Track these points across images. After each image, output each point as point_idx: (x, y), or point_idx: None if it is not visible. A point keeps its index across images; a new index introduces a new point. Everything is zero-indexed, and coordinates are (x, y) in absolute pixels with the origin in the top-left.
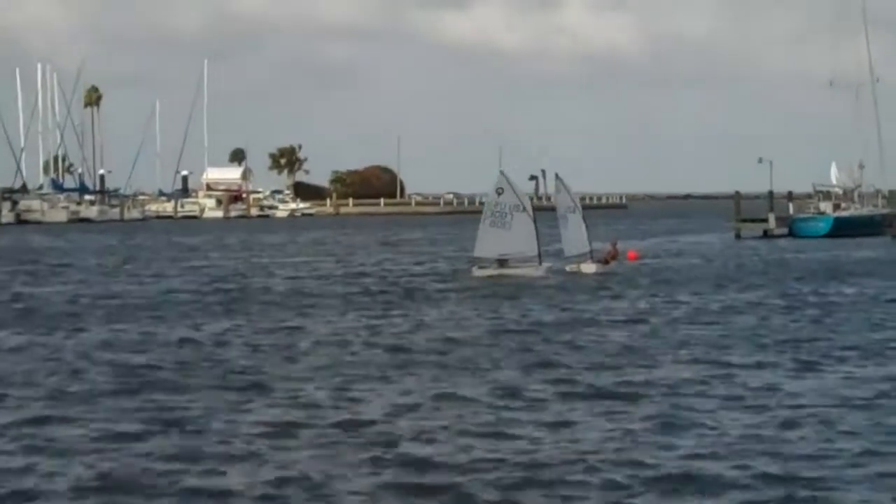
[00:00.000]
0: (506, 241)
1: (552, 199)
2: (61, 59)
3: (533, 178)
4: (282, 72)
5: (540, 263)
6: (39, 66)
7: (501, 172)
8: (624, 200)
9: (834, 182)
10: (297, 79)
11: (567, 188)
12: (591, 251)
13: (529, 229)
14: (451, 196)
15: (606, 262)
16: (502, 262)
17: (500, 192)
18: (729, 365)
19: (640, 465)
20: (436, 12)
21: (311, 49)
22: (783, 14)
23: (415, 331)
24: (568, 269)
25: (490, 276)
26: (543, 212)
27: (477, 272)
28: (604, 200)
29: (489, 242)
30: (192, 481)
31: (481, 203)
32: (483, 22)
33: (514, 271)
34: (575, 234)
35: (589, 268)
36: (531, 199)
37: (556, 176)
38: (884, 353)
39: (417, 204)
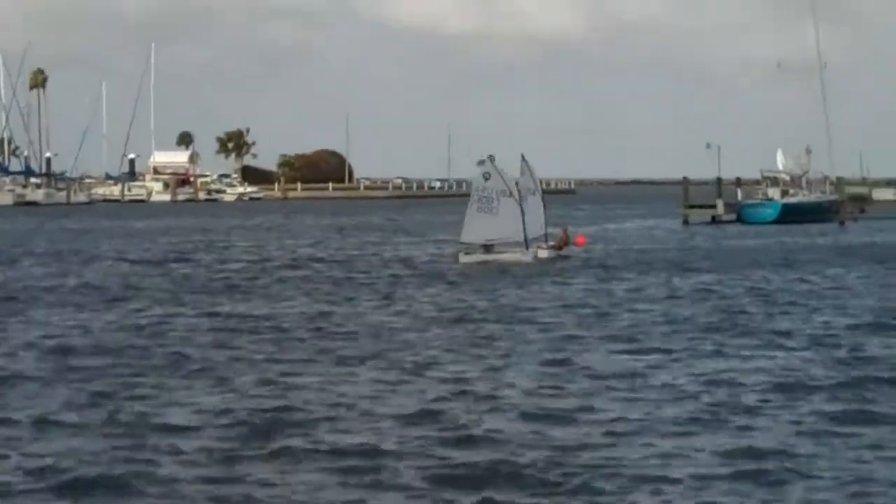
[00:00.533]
0: (493, 226)
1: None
2: (5, 40)
3: (481, 162)
4: (228, 54)
5: (527, 248)
6: None
7: (489, 157)
8: (573, 186)
9: (780, 168)
10: (243, 61)
11: (531, 170)
12: (546, 235)
13: (516, 214)
14: (399, 181)
15: (560, 247)
16: (488, 248)
17: (486, 177)
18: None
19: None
20: None
21: (257, 31)
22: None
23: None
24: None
25: (477, 262)
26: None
27: (464, 258)
28: (552, 185)
29: (476, 228)
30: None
31: (430, 188)
32: (430, 5)
33: (502, 257)
34: (533, 217)
35: (543, 253)
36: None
37: (522, 157)
38: (776, 342)
39: (366, 188)
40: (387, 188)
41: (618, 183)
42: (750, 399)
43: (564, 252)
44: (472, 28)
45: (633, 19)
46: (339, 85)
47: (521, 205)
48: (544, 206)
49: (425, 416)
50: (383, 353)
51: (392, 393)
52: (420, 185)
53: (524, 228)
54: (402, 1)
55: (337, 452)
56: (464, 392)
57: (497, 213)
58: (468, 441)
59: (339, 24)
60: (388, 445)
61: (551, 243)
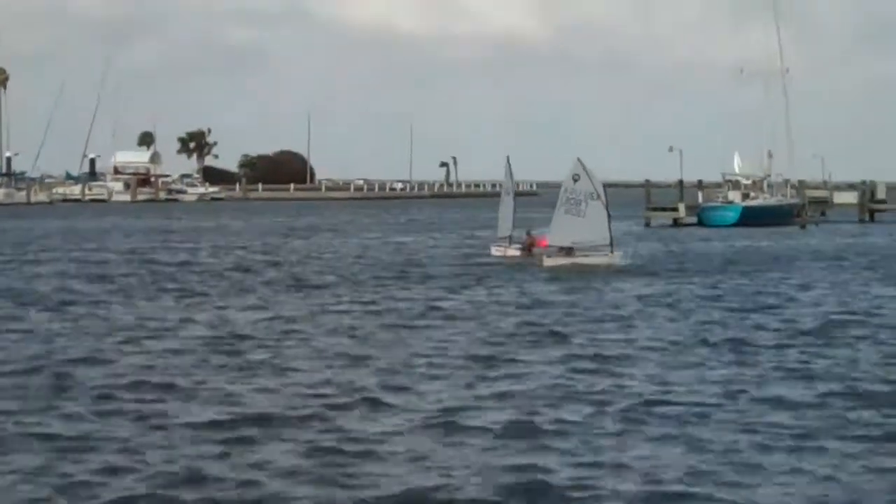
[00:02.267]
0: (580, 228)
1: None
2: None
3: (444, 164)
4: (186, 55)
5: (612, 251)
6: None
7: (578, 160)
8: (535, 188)
9: (737, 171)
10: (202, 62)
11: (511, 173)
12: (511, 237)
13: (603, 217)
14: (361, 182)
15: (529, 249)
16: (568, 251)
17: (576, 178)
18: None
19: None
20: None
21: (214, 32)
22: (691, 1)
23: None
24: (495, 252)
25: (562, 265)
26: (455, 199)
27: (548, 261)
28: (518, 188)
29: (564, 230)
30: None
31: (392, 189)
32: (384, 5)
33: (587, 260)
34: (505, 216)
35: (512, 252)
36: (442, 185)
37: (507, 160)
38: (682, 352)
39: (327, 189)
40: (348, 189)
41: None
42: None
43: (533, 253)
44: (427, 28)
45: (594, 19)
46: (299, 86)
47: (607, 208)
48: (514, 209)
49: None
50: None
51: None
52: (382, 187)
53: (610, 231)
54: (356, 2)
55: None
56: None
57: (584, 216)
58: None
59: (294, 25)
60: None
61: (516, 245)
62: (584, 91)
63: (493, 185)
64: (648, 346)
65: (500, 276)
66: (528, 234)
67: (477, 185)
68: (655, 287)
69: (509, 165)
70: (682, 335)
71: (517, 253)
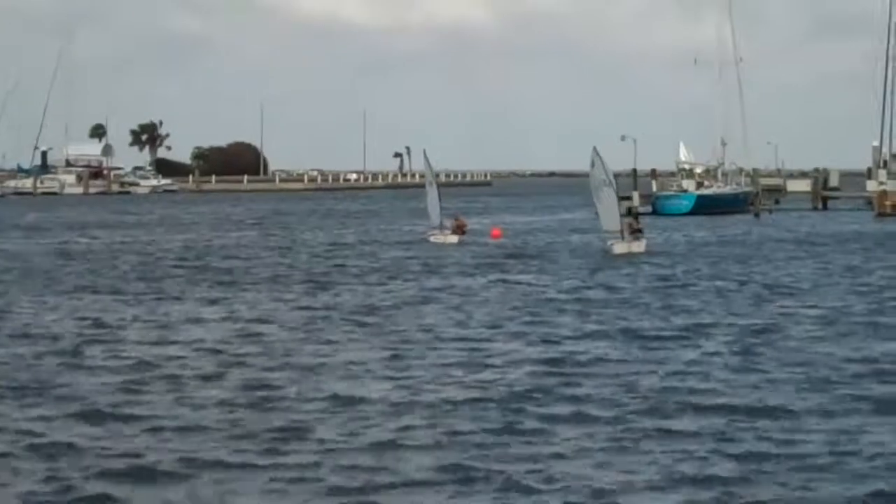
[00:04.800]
0: (602, 215)
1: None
2: None
3: (398, 155)
4: (133, 46)
5: (622, 238)
6: None
7: (594, 148)
8: (488, 178)
9: (683, 160)
10: (152, 53)
11: (429, 166)
12: (442, 224)
13: (615, 204)
14: (315, 173)
15: (459, 231)
16: (635, 236)
17: (592, 164)
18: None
19: None
20: None
21: (161, 22)
22: None
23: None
24: (433, 239)
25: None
26: (407, 189)
27: (618, 248)
28: (468, 178)
29: (602, 216)
30: None
31: (346, 179)
32: None
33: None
34: (433, 206)
35: (453, 238)
36: (396, 175)
37: (424, 153)
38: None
39: (281, 181)
40: (302, 180)
41: (533, 175)
42: None
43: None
44: (375, 17)
45: (544, 8)
46: (251, 77)
47: (617, 193)
48: (440, 195)
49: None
50: None
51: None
52: (336, 177)
53: (620, 218)
54: None
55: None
56: None
57: (601, 202)
58: None
59: (240, 14)
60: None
61: (446, 230)
62: (536, 80)
63: (448, 175)
64: None
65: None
66: (457, 218)
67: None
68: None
69: (427, 158)
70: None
71: (455, 239)
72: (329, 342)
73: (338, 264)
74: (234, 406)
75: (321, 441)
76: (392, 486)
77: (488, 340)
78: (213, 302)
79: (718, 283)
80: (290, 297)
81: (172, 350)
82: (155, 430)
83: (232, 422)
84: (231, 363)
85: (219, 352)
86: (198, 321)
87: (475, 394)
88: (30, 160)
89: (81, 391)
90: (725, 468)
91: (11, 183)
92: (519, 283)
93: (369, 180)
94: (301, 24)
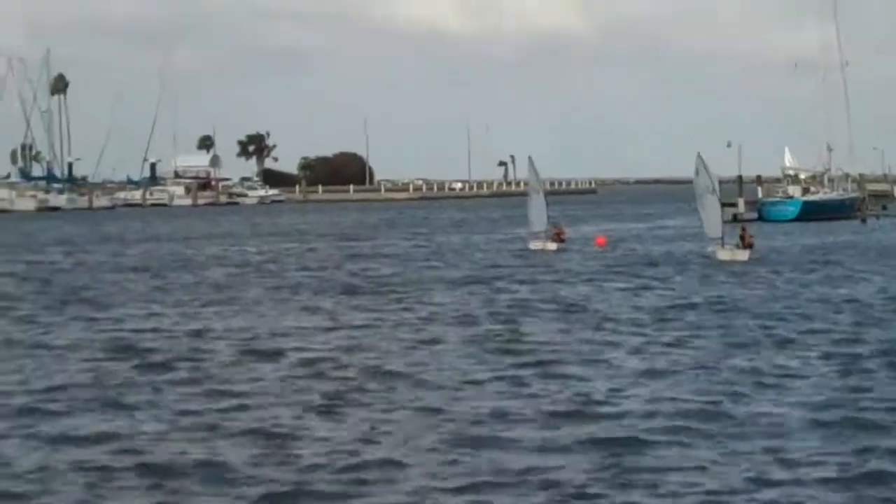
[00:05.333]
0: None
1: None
2: (26, 47)
3: (502, 163)
4: (239, 58)
5: (722, 245)
6: (5, 56)
7: (698, 155)
8: (593, 185)
9: (788, 165)
10: (255, 65)
11: (536, 171)
12: (544, 231)
13: (718, 211)
14: (420, 182)
15: (558, 239)
16: (746, 244)
17: (697, 172)
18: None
19: None
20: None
21: (266, 35)
22: None
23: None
24: (532, 247)
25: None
26: (512, 197)
27: (721, 255)
28: (573, 185)
29: (707, 222)
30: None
31: (451, 189)
32: (434, 5)
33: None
34: (537, 214)
35: (551, 246)
36: (501, 184)
37: (529, 159)
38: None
39: (387, 190)
40: (407, 190)
41: (638, 182)
42: None
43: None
44: (471, 26)
45: (641, 13)
46: (356, 87)
47: (720, 200)
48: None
49: None
50: None
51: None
52: (441, 187)
53: (723, 224)
54: (406, 3)
55: None
56: None
57: (705, 209)
58: None
59: (345, 26)
60: None
61: (546, 237)
62: (635, 86)
63: (552, 184)
64: None
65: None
66: (555, 225)
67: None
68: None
69: (533, 165)
70: None
71: (553, 246)
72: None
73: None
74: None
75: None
76: None
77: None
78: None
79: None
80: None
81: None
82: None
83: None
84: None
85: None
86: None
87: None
88: (139, 172)
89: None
90: None
91: (122, 195)
92: (636, 289)
93: (474, 189)
94: (402, 35)
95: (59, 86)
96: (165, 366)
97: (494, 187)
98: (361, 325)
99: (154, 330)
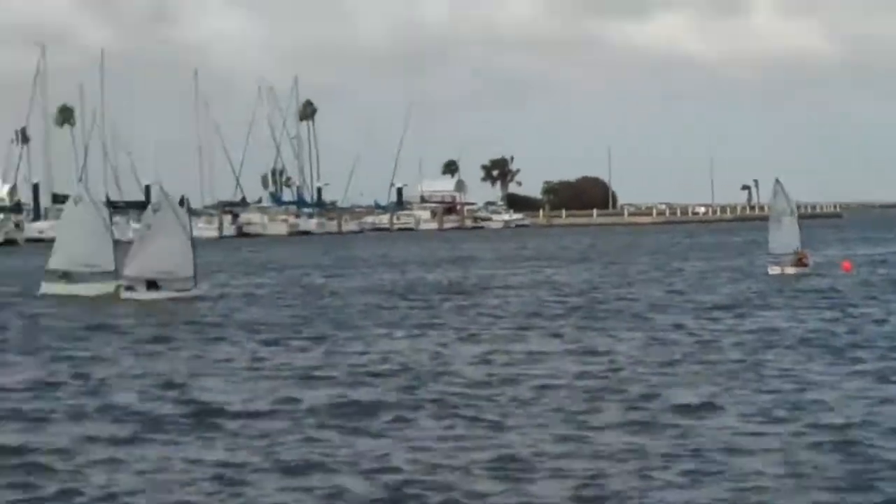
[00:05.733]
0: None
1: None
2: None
3: (745, 187)
4: (485, 84)
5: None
6: (257, 83)
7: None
8: (838, 209)
9: None
10: (494, 91)
11: (785, 193)
12: (792, 254)
13: (795, 230)
14: (663, 206)
15: (802, 265)
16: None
17: (776, 193)
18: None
19: None
20: (616, 23)
21: (501, 60)
22: None
23: None
24: (770, 272)
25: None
26: (755, 221)
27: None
28: (817, 210)
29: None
30: None
31: (694, 213)
32: (666, 30)
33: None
34: (788, 237)
35: (790, 270)
36: (744, 208)
37: (777, 181)
38: None
39: (630, 214)
40: (651, 214)
41: (883, 206)
42: None
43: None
44: (710, 50)
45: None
46: (598, 112)
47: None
48: (799, 228)
49: None
50: None
51: None
52: (684, 211)
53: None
54: (644, 28)
55: None
56: None
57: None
58: None
59: (582, 51)
60: None
61: (785, 262)
62: (885, 109)
63: (798, 207)
64: None
65: None
66: (798, 250)
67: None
68: None
69: (782, 188)
70: None
71: (793, 270)
72: None
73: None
74: None
75: None
76: None
77: None
78: None
79: None
80: None
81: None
82: None
83: None
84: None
85: None
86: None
87: None
88: (386, 197)
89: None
90: None
91: (369, 219)
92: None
93: (717, 213)
94: (642, 60)
95: (308, 112)
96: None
97: (738, 211)
98: (605, 352)
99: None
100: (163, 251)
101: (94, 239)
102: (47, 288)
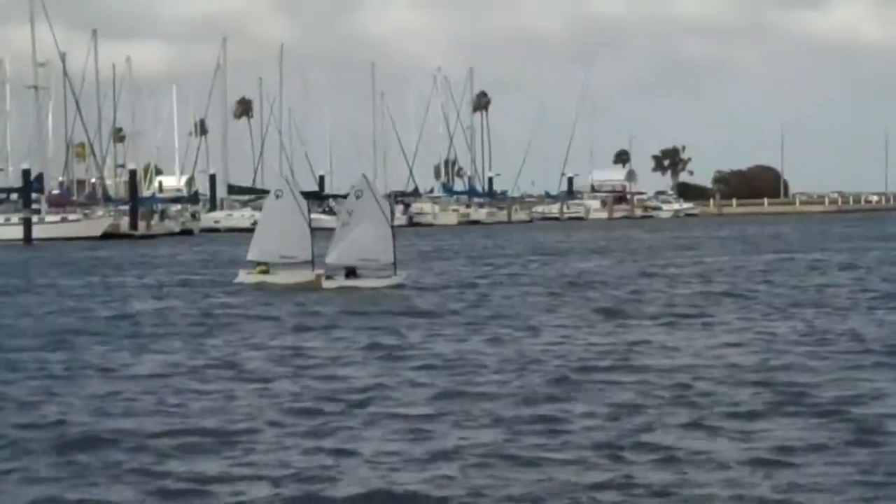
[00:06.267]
0: None
1: None
2: (451, 66)
3: None
4: (654, 72)
5: None
6: (432, 74)
7: None
8: None
9: None
10: (670, 79)
11: None
12: None
13: None
14: (835, 195)
15: None
16: None
17: None
18: None
19: None
20: (793, 11)
21: (673, 48)
22: None
23: None
24: None
25: None
26: None
27: None
28: None
29: None
30: None
31: (867, 201)
32: (844, 18)
33: None
34: None
35: None
36: None
37: None
38: None
39: (801, 203)
40: (822, 202)
41: None
42: None
43: None
44: (885, 39)
45: None
46: (770, 100)
47: None
48: None
49: None
50: None
51: None
52: (857, 199)
53: None
54: (821, 17)
55: None
56: None
57: None
58: None
59: (752, 39)
60: None
61: None
62: None
63: None
64: None
65: None
66: None
67: None
68: None
69: None
70: None
71: None
72: None
73: None
74: None
75: None
76: None
77: None
78: None
79: None
80: None
81: None
82: None
83: None
84: None
85: None
86: None
87: None
88: (557, 186)
89: None
90: None
91: (539, 208)
92: None
93: (891, 201)
94: (817, 46)
95: (482, 103)
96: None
97: None
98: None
99: None
100: (366, 237)
101: (292, 231)
102: (244, 277)
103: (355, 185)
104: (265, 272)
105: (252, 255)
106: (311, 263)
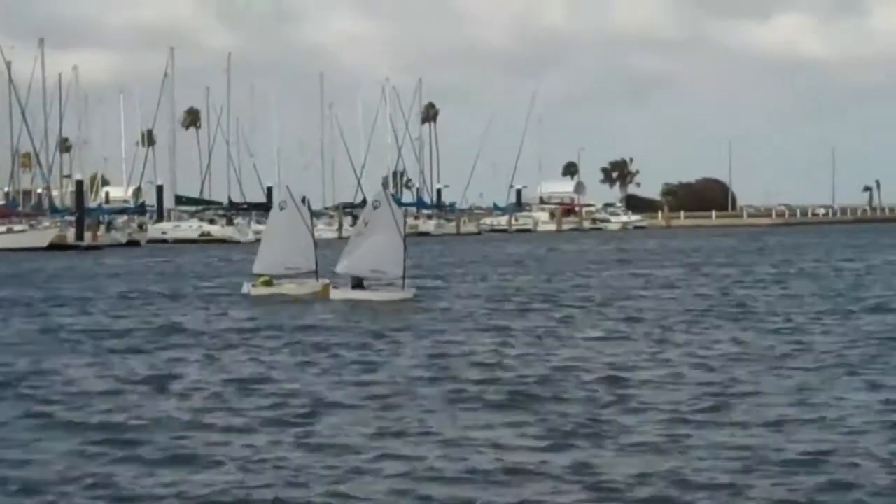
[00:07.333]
0: None
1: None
2: (399, 77)
3: (867, 188)
4: (601, 85)
5: None
6: (381, 85)
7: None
8: None
9: None
10: (616, 92)
11: None
12: None
13: None
14: (782, 207)
15: None
16: None
17: None
18: None
19: None
20: (735, 24)
21: (621, 61)
22: None
23: None
24: None
25: None
26: (878, 223)
27: None
28: None
29: None
30: None
31: (814, 214)
32: (786, 31)
33: None
34: None
35: None
36: (866, 210)
37: None
38: None
39: (749, 216)
40: (770, 215)
41: None
42: None
43: None
44: (831, 52)
45: None
46: (719, 113)
47: None
48: None
49: None
50: None
51: None
52: (804, 212)
53: None
54: (756, 28)
55: None
56: None
57: None
58: None
59: (694, 52)
60: None
61: None
62: None
63: None
64: None
65: None
66: None
67: None
68: None
69: None
70: None
71: None
72: None
73: None
74: None
75: None
76: None
77: None
78: None
79: None
80: None
81: None
82: None
83: None
84: None
85: None
86: None
87: None
88: (505, 198)
89: None
90: None
91: (488, 220)
92: None
93: (837, 214)
94: (761, 59)
95: (430, 114)
96: None
97: (858, 213)
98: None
99: None
100: (378, 249)
101: (296, 242)
102: (249, 288)
103: (375, 196)
104: (268, 283)
105: (258, 268)
106: (316, 273)
